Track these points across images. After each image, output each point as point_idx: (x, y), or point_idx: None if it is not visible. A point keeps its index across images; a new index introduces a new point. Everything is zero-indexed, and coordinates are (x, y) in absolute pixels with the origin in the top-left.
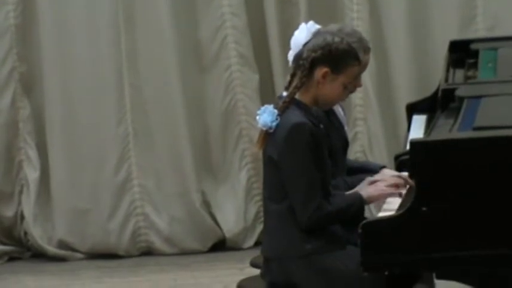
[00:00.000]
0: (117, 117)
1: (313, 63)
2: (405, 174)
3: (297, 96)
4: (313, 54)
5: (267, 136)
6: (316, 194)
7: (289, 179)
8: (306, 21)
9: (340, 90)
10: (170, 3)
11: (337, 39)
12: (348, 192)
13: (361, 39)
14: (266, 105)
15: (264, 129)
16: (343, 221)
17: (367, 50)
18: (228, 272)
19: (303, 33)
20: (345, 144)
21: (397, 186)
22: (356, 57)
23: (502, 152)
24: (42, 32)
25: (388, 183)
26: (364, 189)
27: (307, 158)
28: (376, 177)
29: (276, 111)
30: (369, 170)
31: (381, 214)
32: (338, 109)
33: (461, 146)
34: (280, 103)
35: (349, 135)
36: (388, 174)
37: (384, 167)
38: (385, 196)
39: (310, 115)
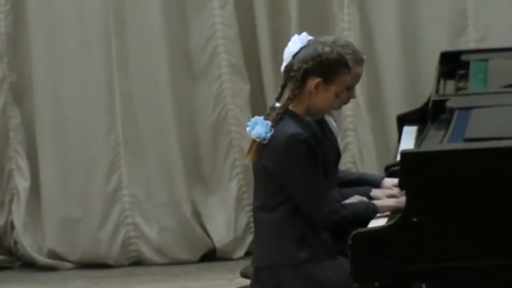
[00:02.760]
0: (108, 126)
1: (305, 75)
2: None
3: (290, 107)
4: (305, 66)
5: (262, 148)
6: (327, 198)
7: (297, 190)
8: (297, 32)
9: (333, 99)
10: (161, 13)
11: (327, 49)
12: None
13: (355, 51)
14: (256, 117)
15: (258, 140)
16: (357, 223)
17: (360, 62)
18: (218, 282)
19: (296, 45)
20: (337, 155)
21: None
22: (346, 66)
23: (493, 164)
24: (33, 41)
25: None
26: (380, 200)
27: (309, 166)
28: (376, 192)
29: (269, 122)
30: (367, 182)
31: (371, 224)
32: (331, 121)
33: (452, 157)
34: (274, 114)
35: (340, 146)
36: (390, 184)
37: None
38: (399, 207)
39: (305, 125)
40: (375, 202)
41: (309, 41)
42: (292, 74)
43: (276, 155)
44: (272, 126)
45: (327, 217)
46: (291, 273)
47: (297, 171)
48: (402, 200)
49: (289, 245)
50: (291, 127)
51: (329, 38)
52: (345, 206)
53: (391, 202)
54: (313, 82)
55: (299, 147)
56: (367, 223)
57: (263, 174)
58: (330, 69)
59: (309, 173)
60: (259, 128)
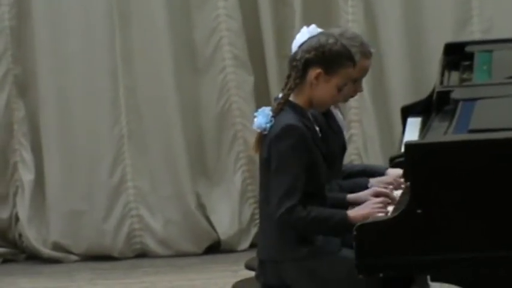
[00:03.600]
0: (112, 119)
1: (307, 64)
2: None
3: (291, 98)
4: (307, 55)
5: (263, 138)
6: (293, 197)
7: (273, 175)
8: (301, 23)
9: (334, 91)
10: (165, 5)
11: (331, 40)
12: (353, 198)
13: (362, 44)
14: (263, 107)
15: (259, 131)
16: (324, 233)
17: (368, 55)
18: (223, 274)
19: (304, 37)
20: (343, 148)
21: (385, 204)
22: (350, 59)
23: (497, 155)
24: (37, 33)
25: (376, 201)
26: (354, 209)
27: (292, 159)
28: (373, 182)
29: (270, 113)
30: (372, 173)
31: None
32: (337, 113)
33: (456, 149)
34: (275, 105)
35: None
36: (394, 174)
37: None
38: (372, 215)
39: (305, 117)
40: (348, 211)
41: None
42: (295, 63)
43: (268, 144)
44: (273, 116)
45: (279, 219)
46: (294, 267)
47: (278, 160)
48: (375, 206)
49: (291, 240)
50: (288, 118)
51: (337, 30)
52: (310, 209)
53: (365, 210)
54: (313, 72)
55: (288, 138)
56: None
57: (265, 166)
58: (332, 60)
59: (288, 165)
60: (260, 118)
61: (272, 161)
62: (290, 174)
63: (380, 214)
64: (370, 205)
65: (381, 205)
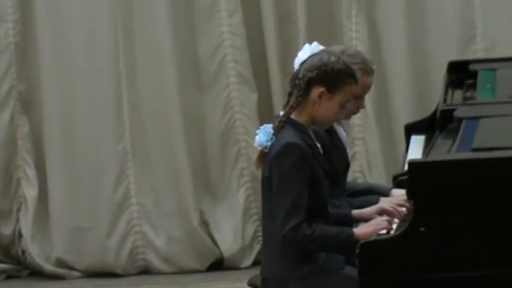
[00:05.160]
0: (116, 135)
1: (309, 83)
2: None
3: (293, 115)
4: (309, 74)
5: (264, 156)
6: (298, 215)
7: (276, 194)
8: (305, 40)
9: (337, 109)
10: (169, 22)
11: (333, 58)
12: (357, 214)
13: (364, 61)
14: (265, 125)
15: (260, 148)
16: (330, 250)
17: (370, 72)
18: None
19: (306, 54)
20: (346, 165)
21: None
22: (352, 76)
23: (501, 173)
24: (41, 49)
25: (383, 219)
26: (360, 226)
27: (294, 178)
28: (384, 200)
29: (271, 130)
30: (376, 193)
31: (380, 234)
32: (340, 130)
33: (459, 167)
34: (276, 122)
35: (349, 155)
36: (398, 195)
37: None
38: (378, 231)
39: (306, 135)
40: (354, 229)
41: (320, 50)
42: (297, 82)
43: (269, 162)
44: (274, 134)
45: (283, 238)
46: (297, 285)
47: (280, 179)
48: (380, 223)
49: (294, 257)
50: (289, 136)
51: (338, 48)
52: (315, 227)
53: (371, 228)
54: (316, 91)
55: (289, 156)
56: (345, 248)
57: (266, 183)
58: (335, 78)
59: (290, 184)
60: (261, 135)
61: (274, 180)
62: (293, 192)
63: (383, 228)
64: (376, 222)
65: (386, 224)
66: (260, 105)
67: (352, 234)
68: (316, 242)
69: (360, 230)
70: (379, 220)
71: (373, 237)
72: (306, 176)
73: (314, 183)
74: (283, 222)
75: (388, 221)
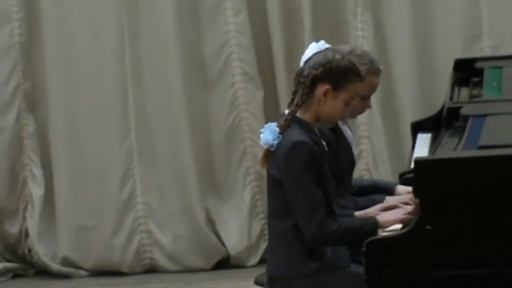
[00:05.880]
0: (121, 134)
1: (314, 81)
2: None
3: (298, 113)
4: (314, 72)
5: (269, 154)
6: (319, 211)
7: (292, 197)
8: (311, 39)
9: (342, 107)
10: (175, 20)
11: (338, 56)
12: (361, 215)
13: (372, 62)
14: (270, 123)
15: (266, 147)
16: (354, 242)
17: (377, 73)
18: None
19: (313, 52)
20: (352, 164)
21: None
22: (357, 74)
23: (507, 171)
24: (47, 48)
25: (405, 211)
26: (381, 214)
27: (307, 176)
28: (390, 200)
29: (277, 129)
30: (381, 189)
31: (386, 232)
32: (346, 129)
33: (466, 165)
34: (282, 121)
35: (355, 153)
36: (404, 191)
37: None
38: (400, 220)
39: (312, 133)
40: (377, 217)
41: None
42: (302, 80)
43: (278, 162)
44: (280, 133)
45: (311, 237)
46: (303, 283)
47: (294, 180)
48: (402, 212)
49: (300, 256)
50: (296, 134)
51: (346, 48)
52: (340, 221)
53: (394, 216)
54: (321, 89)
55: (299, 155)
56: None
57: (273, 183)
58: (340, 76)
59: (305, 183)
60: (267, 134)
61: (286, 182)
62: (308, 191)
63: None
64: (400, 211)
65: (407, 214)
66: (266, 104)
67: (376, 222)
68: (344, 235)
69: (383, 218)
70: (403, 209)
71: (380, 236)
72: (316, 173)
73: (321, 182)
74: (307, 222)
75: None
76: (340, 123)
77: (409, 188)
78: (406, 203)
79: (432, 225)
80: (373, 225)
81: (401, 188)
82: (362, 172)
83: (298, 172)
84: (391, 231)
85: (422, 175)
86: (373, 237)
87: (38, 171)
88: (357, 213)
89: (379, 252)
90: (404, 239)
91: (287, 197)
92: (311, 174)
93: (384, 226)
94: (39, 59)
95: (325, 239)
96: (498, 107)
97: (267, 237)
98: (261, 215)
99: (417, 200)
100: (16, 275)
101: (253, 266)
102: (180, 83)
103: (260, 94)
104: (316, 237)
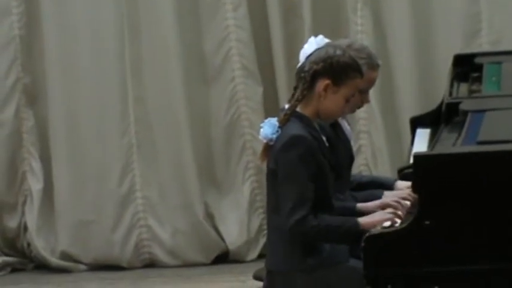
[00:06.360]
0: (121, 128)
1: (315, 76)
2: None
3: (298, 108)
4: (315, 67)
5: (269, 148)
6: (304, 207)
7: (282, 187)
8: (310, 34)
9: (342, 102)
10: (175, 16)
11: (339, 51)
12: (363, 207)
13: (370, 56)
14: (269, 118)
15: (265, 141)
16: (337, 241)
17: (375, 67)
18: (231, 284)
19: (312, 47)
20: (351, 159)
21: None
22: (357, 70)
23: (506, 166)
24: (47, 43)
25: (388, 211)
26: (366, 216)
27: (300, 170)
28: (388, 194)
29: (277, 123)
30: (380, 185)
31: (384, 227)
32: (344, 124)
33: (465, 160)
34: (282, 115)
35: (353, 148)
36: (403, 186)
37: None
38: (384, 221)
39: (312, 128)
40: (359, 219)
41: (326, 43)
42: (303, 74)
43: (275, 154)
44: (279, 127)
45: (290, 230)
46: (302, 278)
47: (286, 170)
48: (386, 214)
49: (299, 250)
50: (295, 128)
51: (344, 42)
52: (321, 217)
53: (376, 218)
54: (322, 84)
55: (296, 149)
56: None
57: (271, 176)
58: (340, 71)
59: (296, 176)
60: (266, 128)
61: (280, 172)
62: (299, 184)
63: (388, 223)
64: (382, 213)
65: (391, 215)
66: (265, 99)
67: (357, 223)
68: (322, 232)
69: (365, 220)
70: (384, 212)
71: (378, 231)
72: (312, 169)
73: (320, 176)
74: (289, 215)
75: (393, 213)
76: (339, 118)
77: (409, 183)
78: (405, 198)
79: (431, 220)
80: (353, 226)
81: (401, 184)
82: (361, 167)
83: (291, 165)
84: (389, 226)
85: (421, 170)
86: (372, 232)
87: (37, 165)
88: (359, 205)
89: (378, 248)
90: (403, 234)
91: (277, 186)
92: (305, 169)
93: (365, 227)
94: (39, 54)
95: (303, 235)
96: (497, 103)
97: (266, 231)
98: (260, 210)
99: (416, 195)
100: (15, 269)
101: (252, 261)
102: (179, 77)
103: (260, 89)
104: (295, 231)
